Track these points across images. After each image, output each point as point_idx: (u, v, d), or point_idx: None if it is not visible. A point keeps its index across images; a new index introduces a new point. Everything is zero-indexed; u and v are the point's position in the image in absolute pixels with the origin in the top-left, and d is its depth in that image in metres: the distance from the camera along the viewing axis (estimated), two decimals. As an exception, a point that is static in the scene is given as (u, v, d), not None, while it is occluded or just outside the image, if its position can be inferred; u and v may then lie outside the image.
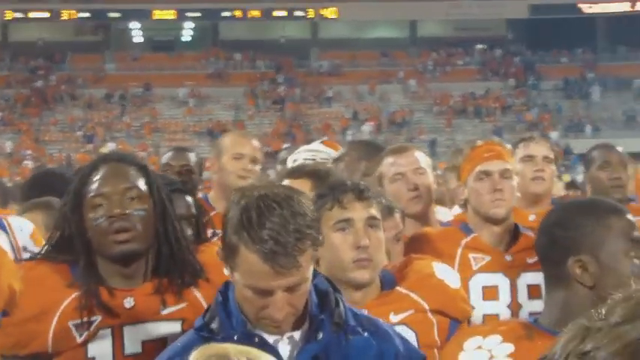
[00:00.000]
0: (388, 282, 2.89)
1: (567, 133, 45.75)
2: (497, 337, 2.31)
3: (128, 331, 2.62)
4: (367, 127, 46.01)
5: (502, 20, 53.92)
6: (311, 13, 52.45)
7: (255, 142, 4.50)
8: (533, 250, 3.22)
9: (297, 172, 3.61)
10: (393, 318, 2.80)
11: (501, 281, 3.37)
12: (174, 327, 2.65)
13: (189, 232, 3.02)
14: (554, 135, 44.18)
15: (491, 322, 3.14)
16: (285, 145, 43.40)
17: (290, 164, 4.46)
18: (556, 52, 52.84)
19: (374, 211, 2.73)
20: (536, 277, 3.28)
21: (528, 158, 4.20)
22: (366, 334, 2.33)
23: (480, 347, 2.33)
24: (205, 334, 2.21)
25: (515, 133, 44.98)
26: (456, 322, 2.94)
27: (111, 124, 46.80)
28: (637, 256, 2.28)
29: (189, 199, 3.23)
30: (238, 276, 2.17)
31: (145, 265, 2.67)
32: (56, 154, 43.76)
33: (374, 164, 3.94)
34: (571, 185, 7.42)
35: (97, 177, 2.63)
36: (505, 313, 3.36)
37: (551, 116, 47.60)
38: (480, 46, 53.81)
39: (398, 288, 2.88)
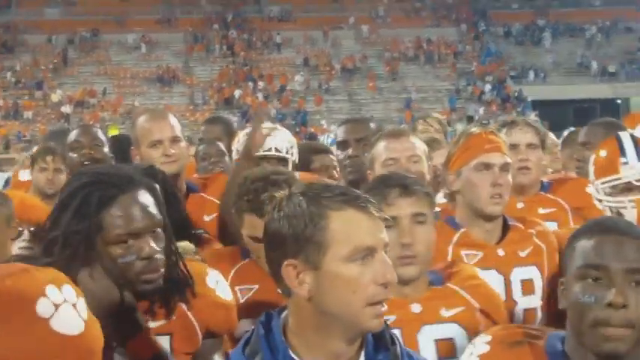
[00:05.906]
0: (437, 280, 2.83)
1: (519, 79, 46.04)
2: None
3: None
4: (300, 78, 45.99)
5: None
6: (261, -42, 51.75)
7: (171, 119, 3.92)
8: (524, 242, 3.33)
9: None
10: (445, 313, 2.74)
11: (495, 278, 3.20)
12: (162, 342, 2.52)
13: None
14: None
15: None
16: (236, 91, 43.08)
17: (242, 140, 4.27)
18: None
19: (420, 207, 2.73)
20: (529, 272, 3.29)
21: (512, 147, 3.81)
22: None
23: None
24: None
25: (466, 79, 45.22)
26: None
27: (59, 71, 45.93)
28: None
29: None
30: (333, 254, 1.98)
31: None
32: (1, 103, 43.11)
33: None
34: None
35: (123, 208, 2.34)
36: None
37: (502, 62, 47.86)
38: (431, -8, 53.61)
39: (448, 284, 2.82)
